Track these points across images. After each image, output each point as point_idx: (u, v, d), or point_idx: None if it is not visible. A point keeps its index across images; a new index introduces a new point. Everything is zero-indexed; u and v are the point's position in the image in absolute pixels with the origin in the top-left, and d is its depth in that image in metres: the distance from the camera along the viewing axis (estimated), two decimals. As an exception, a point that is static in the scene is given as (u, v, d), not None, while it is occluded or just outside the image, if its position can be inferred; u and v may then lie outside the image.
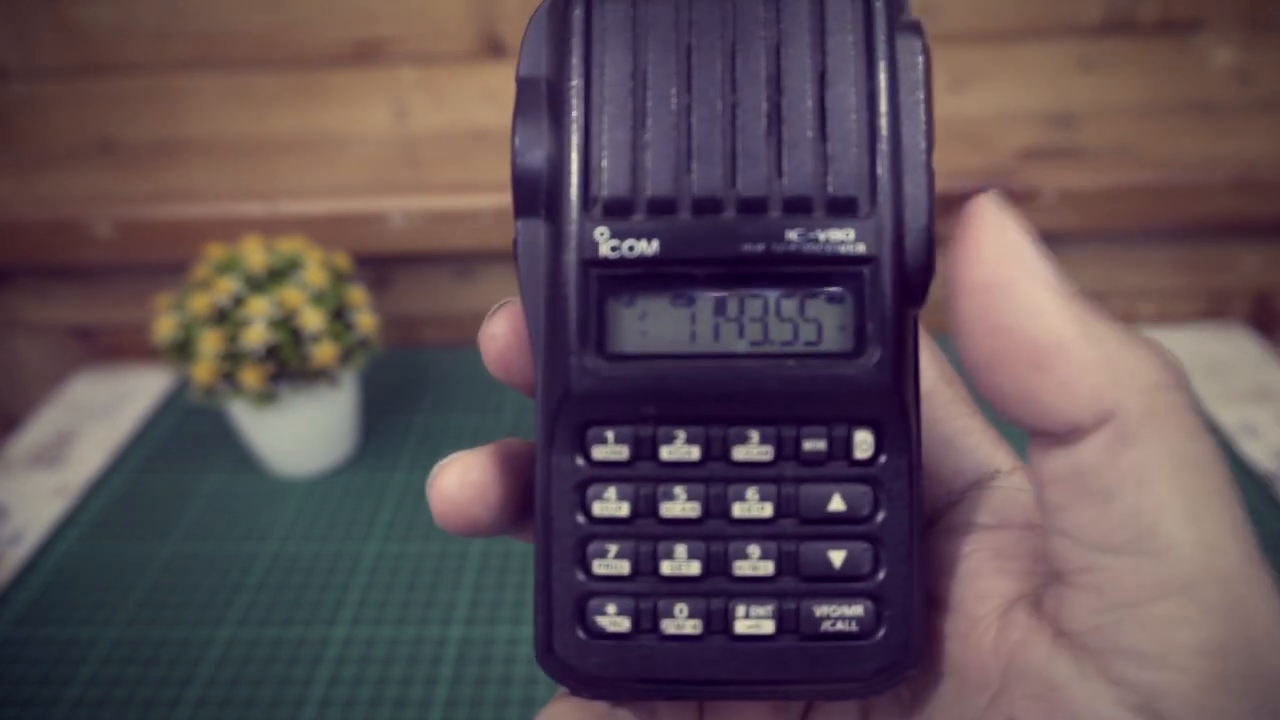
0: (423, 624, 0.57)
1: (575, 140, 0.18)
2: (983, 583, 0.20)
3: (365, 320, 0.67)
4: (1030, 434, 0.17)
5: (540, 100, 0.19)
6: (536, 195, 0.19)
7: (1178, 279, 0.84)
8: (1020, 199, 0.76)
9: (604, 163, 0.18)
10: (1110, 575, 0.16)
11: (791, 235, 0.18)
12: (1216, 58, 0.75)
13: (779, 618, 0.19)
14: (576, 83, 0.18)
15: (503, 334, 0.20)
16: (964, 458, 0.22)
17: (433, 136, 0.79)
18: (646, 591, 0.20)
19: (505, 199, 0.78)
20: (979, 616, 0.19)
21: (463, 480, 0.20)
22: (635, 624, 0.20)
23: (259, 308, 0.62)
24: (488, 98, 0.78)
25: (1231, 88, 0.76)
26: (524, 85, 0.19)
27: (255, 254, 0.65)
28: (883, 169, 0.18)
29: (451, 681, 0.53)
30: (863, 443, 0.19)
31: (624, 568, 0.20)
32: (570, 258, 0.18)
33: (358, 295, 0.67)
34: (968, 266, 0.17)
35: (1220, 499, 0.16)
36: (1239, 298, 0.85)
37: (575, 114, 0.18)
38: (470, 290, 0.86)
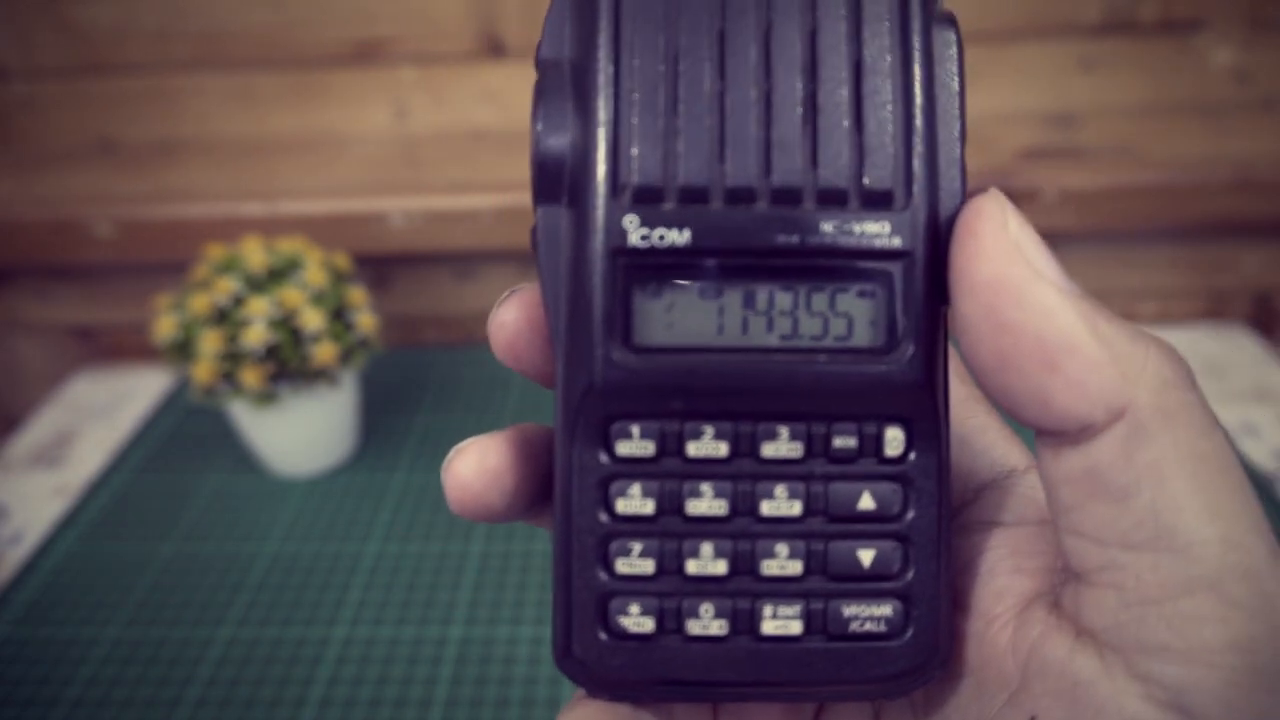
0: (423, 624, 0.57)
1: (604, 124, 0.18)
2: (999, 581, 0.19)
3: (365, 320, 0.67)
4: (1038, 434, 0.17)
5: (564, 82, 0.18)
6: (559, 181, 0.18)
7: (1178, 279, 0.84)
8: (1020, 199, 0.76)
9: (634, 148, 0.18)
10: (1131, 573, 0.16)
11: (826, 227, 0.18)
12: (1216, 58, 0.75)
13: (806, 618, 0.19)
14: (605, 65, 0.18)
15: (513, 321, 0.19)
16: (979, 456, 0.22)
17: (433, 136, 0.79)
18: (671, 591, 0.19)
19: (505, 199, 0.78)
20: (995, 615, 0.19)
21: (480, 466, 0.19)
22: (659, 625, 0.19)
23: (259, 308, 0.62)
24: (488, 98, 0.78)
25: (1231, 88, 0.76)
26: (547, 67, 0.18)
27: (255, 254, 0.65)
28: (918, 162, 0.18)
29: (451, 681, 0.53)
30: (893, 440, 0.19)
31: (648, 567, 0.19)
32: (597, 246, 0.18)
33: (358, 295, 0.67)
34: (973, 264, 0.17)
35: (1239, 494, 0.16)
36: (1239, 298, 0.85)
37: (603, 97, 0.18)
38: (470, 290, 0.86)
